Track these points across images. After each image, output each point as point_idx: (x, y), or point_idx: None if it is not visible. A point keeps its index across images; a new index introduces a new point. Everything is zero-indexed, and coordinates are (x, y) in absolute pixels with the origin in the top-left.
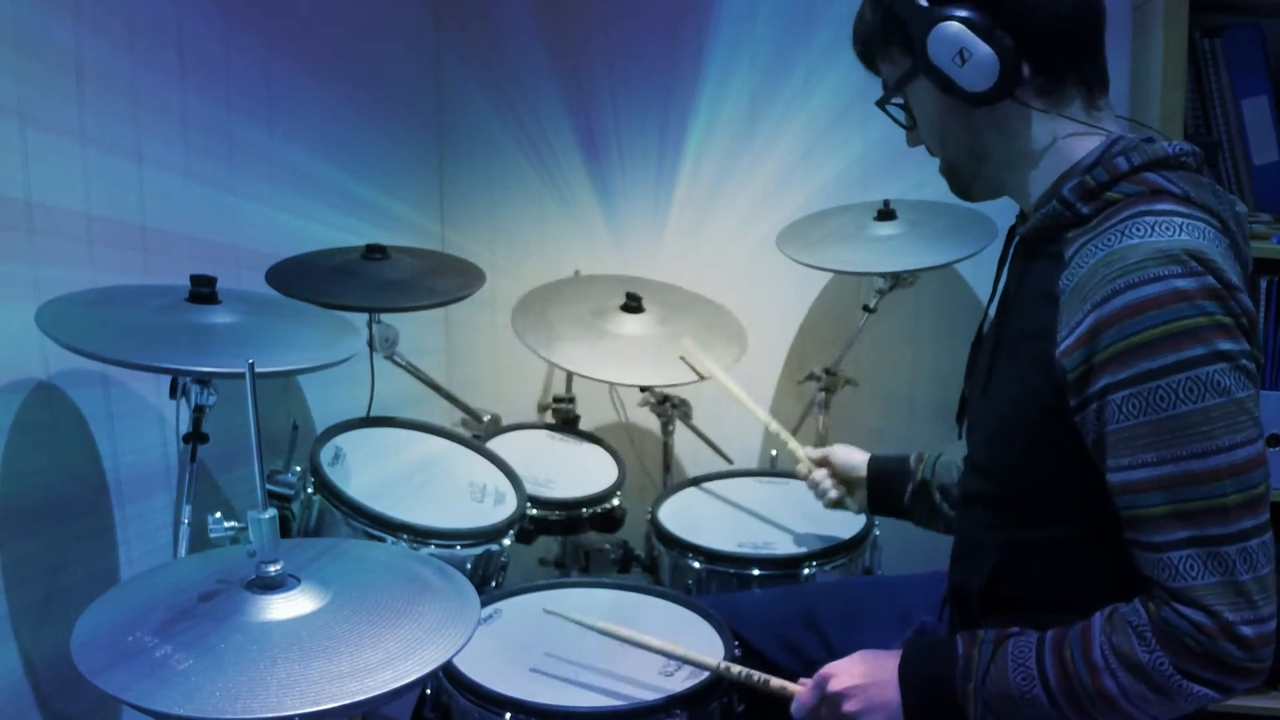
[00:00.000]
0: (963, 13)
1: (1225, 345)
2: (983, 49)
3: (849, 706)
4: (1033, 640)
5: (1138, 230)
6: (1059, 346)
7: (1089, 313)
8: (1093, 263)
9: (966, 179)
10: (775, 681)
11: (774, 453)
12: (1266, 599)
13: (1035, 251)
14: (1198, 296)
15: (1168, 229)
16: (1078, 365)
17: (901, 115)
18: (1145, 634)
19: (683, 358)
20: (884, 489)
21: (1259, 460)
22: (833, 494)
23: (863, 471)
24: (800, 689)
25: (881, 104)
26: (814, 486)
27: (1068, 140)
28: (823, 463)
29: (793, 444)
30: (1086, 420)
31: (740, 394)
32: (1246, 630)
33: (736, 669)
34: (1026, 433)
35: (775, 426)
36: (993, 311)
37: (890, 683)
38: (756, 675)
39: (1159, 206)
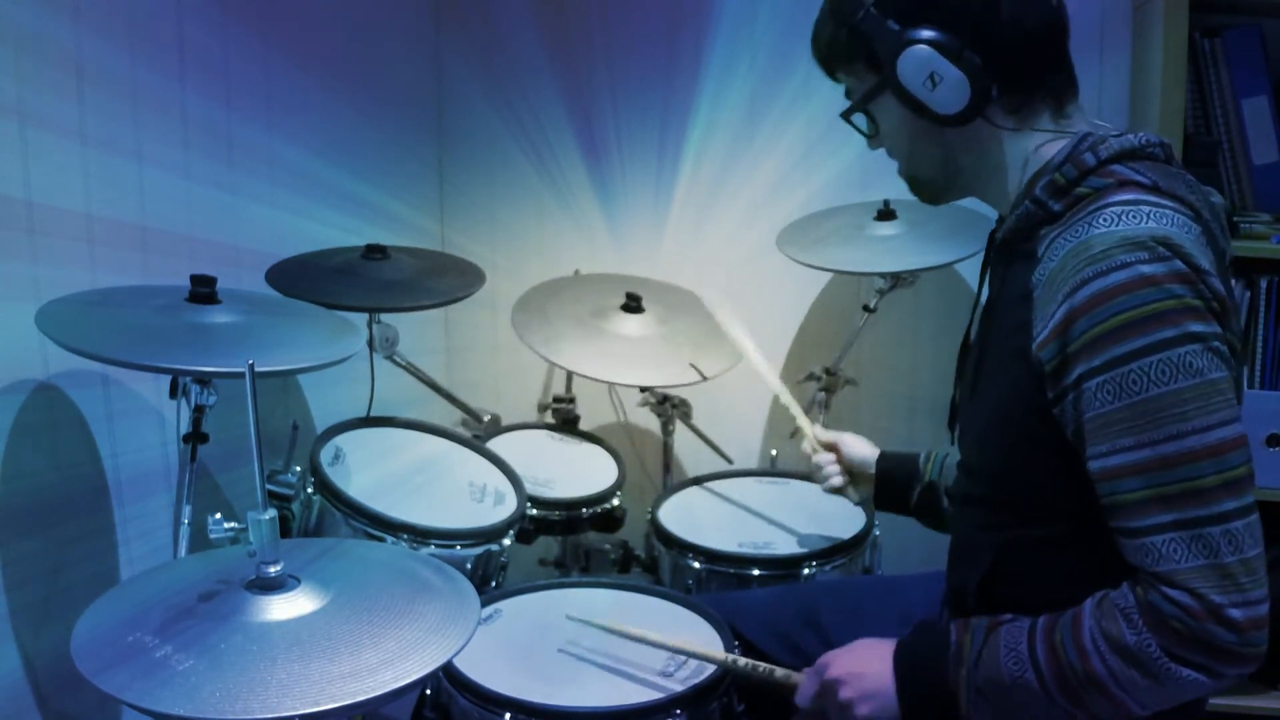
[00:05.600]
0: (932, 34)
1: (1196, 327)
2: (953, 72)
3: (845, 694)
4: (1025, 625)
5: (1104, 220)
6: (1035, 340)
7: (1060, 304)
8: (1062, 255)
9: (938, 189)
10: (780, 671)
11: (774, 452)
12: (1254, 581)
13: (1013, 252)
14: (1165, 280)
15: (1135, 217)
16: (1053, 357)
17: (864, 123)
18: (1133, 616)
19: (717, 319)
20: (892, 488)
21: (1237, 442)
22: (835, 481)
23: (871, 468)
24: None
25: (846, 116)
26: (817, 469)
27: (1039, 149)
28: (832, 448)
29: (803, 420)
30: (1065, 411)
31: (761, 365)
32: (1235, 613)
33: (744, 661)
34: (1014, 432)
35: (787, 399)
36: (978, 316)
37: (885, 671)
38: (762, 666)
39: (1126, 196)
